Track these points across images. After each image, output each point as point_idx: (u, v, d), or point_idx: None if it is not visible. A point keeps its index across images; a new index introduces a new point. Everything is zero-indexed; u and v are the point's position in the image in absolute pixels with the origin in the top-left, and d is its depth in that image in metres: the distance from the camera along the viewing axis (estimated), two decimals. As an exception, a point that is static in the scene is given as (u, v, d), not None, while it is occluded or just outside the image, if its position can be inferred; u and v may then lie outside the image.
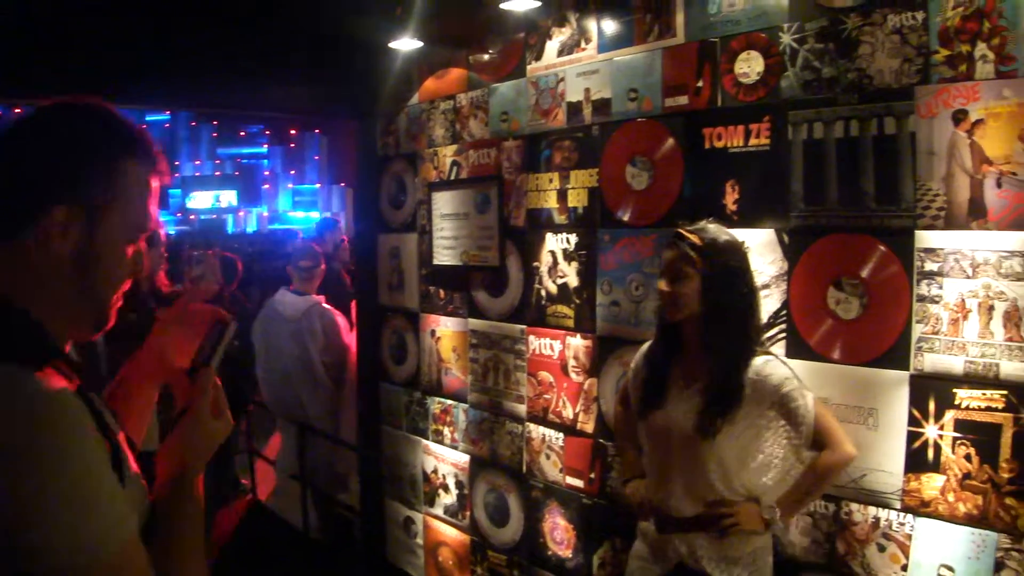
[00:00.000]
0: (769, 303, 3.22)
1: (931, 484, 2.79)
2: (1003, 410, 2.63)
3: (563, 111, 4.10)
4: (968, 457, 2.70)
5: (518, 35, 4.34)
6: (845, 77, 2.98)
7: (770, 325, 3.22)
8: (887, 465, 2.90)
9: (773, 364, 2.88)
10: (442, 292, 5.00)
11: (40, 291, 1.47)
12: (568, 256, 4.09)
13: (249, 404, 6.38)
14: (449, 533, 5.05)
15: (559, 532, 4.25)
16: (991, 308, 2.64)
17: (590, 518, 4.08)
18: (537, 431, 4.35)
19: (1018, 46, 2.57)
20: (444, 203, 4.85)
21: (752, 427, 2.86)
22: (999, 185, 2.61)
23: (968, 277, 2.69)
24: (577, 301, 4.07)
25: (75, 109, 1.56)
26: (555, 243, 4.16)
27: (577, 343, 4.08)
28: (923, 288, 2.80)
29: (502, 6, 4.05)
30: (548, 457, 4.29)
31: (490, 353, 4.63)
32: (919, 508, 2.83)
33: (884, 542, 2.92)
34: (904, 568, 2.87)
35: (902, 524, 2.87)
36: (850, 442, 2.81)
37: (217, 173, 44.91)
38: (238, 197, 42.21)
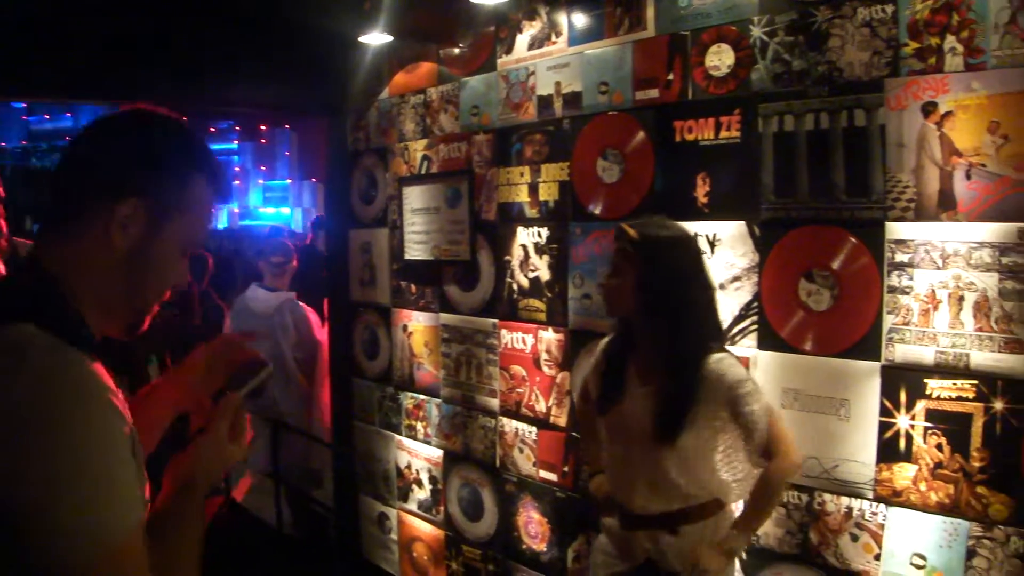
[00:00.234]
0: (741, 295, 3.23)
1: (903, 474, 2.81)
2: (974, 400, 2.65)
3: (534, 105, 4.10)
4: (939, 447, 2.72)
5: (488, 29, 4.32)
6: (815, 70, 2.99)
7: (742, 317, 3.23)
8: (859, 455, 2.91)
9: (727, 363, 2.82)
10: (414, 287, 4.98)
11: (88, 280, 1.49)
12: (539, 250, 4.09)
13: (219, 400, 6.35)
14: (423, 528, 5.04)
15: (533, 526, 4.25)
16: (961, 299, 2.66)
17: (564, 511, 4.08)
18: (510, 425, 4.34)
19: (987, 39, 2.58)
20: (415, 198, 4.84)
21: (709, 427, 2.83)
22: (968, 177, 2.63)
23: (938, 268, 2.70)
24: (549, 295, 4.07)
25: (160, 117, 1.62)
26: (526, 237, 4.16)
27: (549, 337, 4.08)
28: (894, 279, 2.81)
29: (472, 0, 4.04)
30: (521, 451, 4.29)
31: (462, 348, 4.62)
32: (891, 498, 2.84)
33: (857, 532, 2.93)
34: (877, 557, 2.89)
35: (875, 514, 2.89)
36: (797, 451, 2.82)
37: (187, 169, 44.17)
38: (208, 193, 41.44)
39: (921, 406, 2.76)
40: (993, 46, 2.57)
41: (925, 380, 2.75)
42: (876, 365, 2.87)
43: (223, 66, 4.57)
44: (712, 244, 3.31)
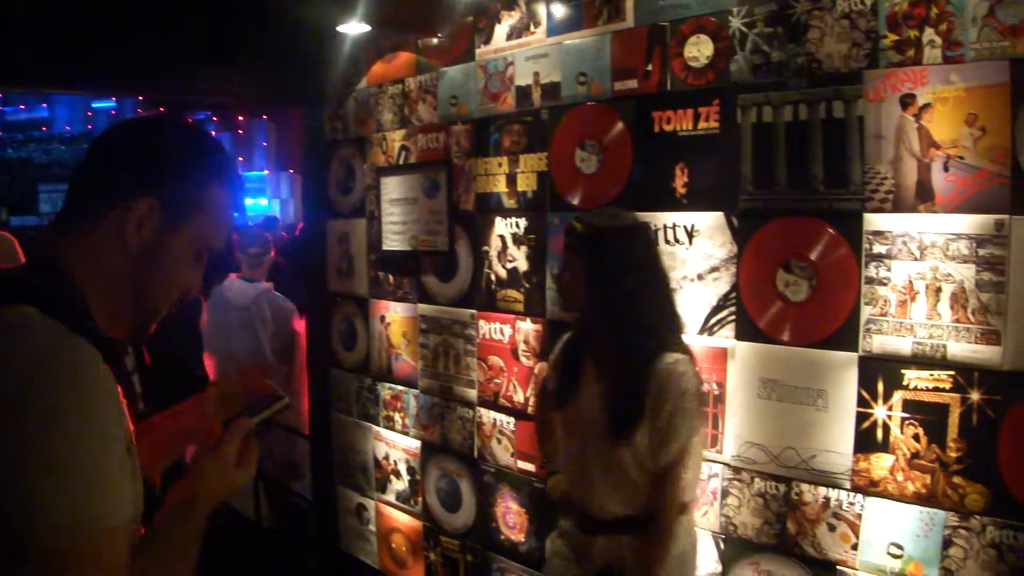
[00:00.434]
0: (719, 286, 3.24)
1: (880, 464, 2.82)
2: (950, 390, 2.66)
3: (512, 95, 4.09)
4: (916, 437, 2.73)
5: (467, 19, 4.31)
6: (794, 61, 2.99)
7: (720, 308, 3.24)
8: (836, 446, 2.92)
9: (682, 368, 2.78)
10: (391, 277, 4.97)
11: (97, 275, 1.50)
12: (517, 240, 4.08)
13: (200, 388, 6.32)
14: (401, 519, 5.03)
15: (511, 516, 4.25)
16: (938, 290, 2.67)
17: (542, 502, 4.07)
18: (488, 416, 4.34)
19: (965, 32, 2.59)
20: (393, 188, 4.83)
21: (661, 422, 2.75)
22: (946, 169, 2.64)
23: (916, 259, 2.71)
24: (527, 285, 4.07)
25: (182, 122, 1.66)
26: (504, 227, 4.15)
27: (527, 327, 4.07)
28: (871, 270, 2.82)
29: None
30: (499, 442, 4.28)
31: (440, 338, 4.62)
32: (868, 488, 2.86)
33: (834, 521, 2.95)
34: (854, 547, 2.90)
35: (852, 504, 2.90)
36: (687, 501, 2.85)
37: (164, 159, 44.02)
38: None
39: (898, 397, 2.78)
40: (971, 39, 2.58)
41: (902, 371, 2.76)
42: (854, 356, 2.88)
43: (199, 55, 4.53)
44: (690, 235, 3.31)
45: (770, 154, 3.07)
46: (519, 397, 4.15)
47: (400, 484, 5.01)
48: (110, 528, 1.30)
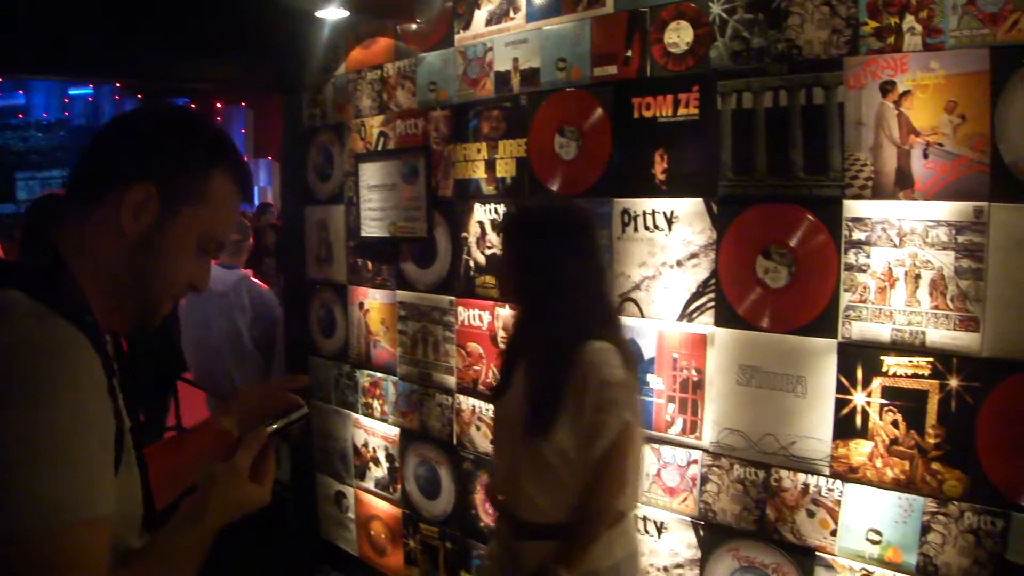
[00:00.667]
0: (698, 272, 3.23)
1: (859, 450, 2.83)
2: (929, 377, 2.67)
3: (491, 81, 4.07)
4: (895, 423, 2.74)
5: (446, 4, 4.28)
6: (774, 47, 2.99)
7: (699, 294, 3.23)
8: (816, 432, 2.93)
9: (605, 356, 2.63)
10: (370, 264, 4.96)
11: (95, 265, 1.47)
12: (497, 227, 4.06)
13: (177, 381, 6.29)
14: (381, 506, 5.03)
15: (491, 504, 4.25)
16: (918, 276, 2.68)
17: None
18: (467, 402, 4.34)
19: (945, 19, 2.59)
20: (371, 174, 4.81)
21: (585, 417, 2.62)
22: (926, 156, 2.64)
23: (895, 246, 2.72)
24: (507, 272, 4.05)
25: (183, 110, 1.67)
26: (483, 214, 4.14)
27: (506, 314, 4.06)
28: (851, 257, 2.83)
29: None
30: (478, 428, 4.28)
31: (419, 325, 4.60)
32: (847, 474, 2.87)
33: (813, 508, 2.95)
34: (833, 533, 2.91)
35: (831, 490, 2.91)
36: (624, 497, 2.70)
37: (141, 146, 43.92)
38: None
39: (877, 383, 2.78)
40: (951, 26, 2.58)
41: (881, 357, 2.77)
42: (833, 342, 2.89)
43: (177, 41, 4.50)
44: (670, 221, 3.31)
45: (750, 140, 3.06)
46: (498, 384, 4.14)
47: (379, 471, 5.00)
48: (80, 521, 1.26)
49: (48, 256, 1.44)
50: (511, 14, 3.96)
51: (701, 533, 3.27)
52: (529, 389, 2.74)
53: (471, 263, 4.24)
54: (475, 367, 4.27)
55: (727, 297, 3.17)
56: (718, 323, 3.19)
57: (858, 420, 2.83)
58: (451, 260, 4.36)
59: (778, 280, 3.02)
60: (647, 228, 3.38)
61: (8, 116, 23.96)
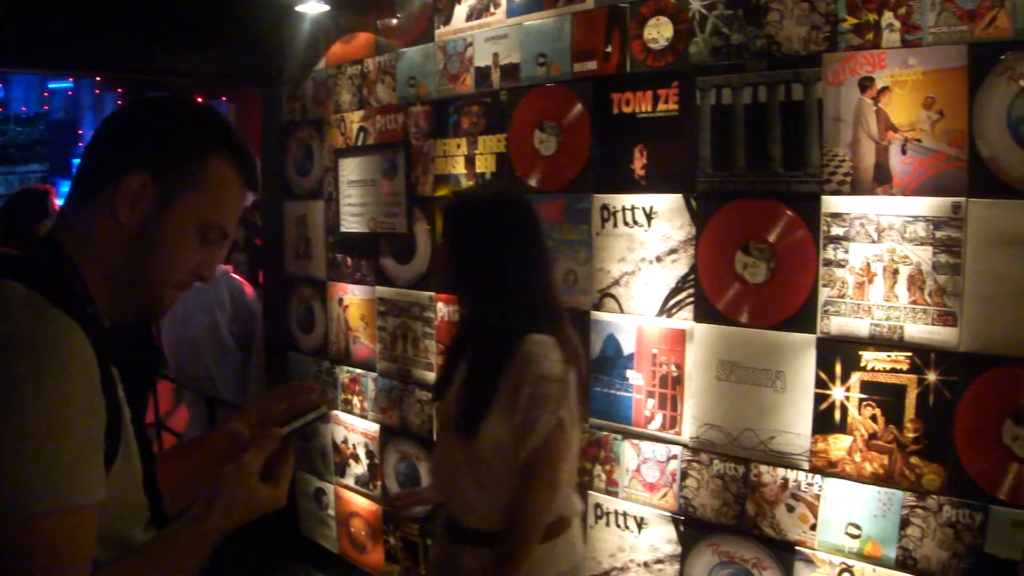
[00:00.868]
0: (677, 268, 3.24)
1: (838, 445, 2.84)
2: (907, 371, 2.68)
3: (471, 76, 4.07)
4: (874, 418, 2.75)
5: (426, -1, 4.29)
6: (754, 43, 2.99)
7: (678, 290, 3.24)
8: (795, 427, 2.94)
9: (543, 348, 2.50)
10: (349, 260, 4.94)
11: (95, 256, 1.47)
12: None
13: (157, 377, 6.27)
14: (361, 503, 5.02)
15: (471, 499, 4.24)
16: (896, 272, 2.69)
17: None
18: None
19: (923, 16, 2.60)
20: (351, 170, 4.80)
21: (519, 413, 2.49)
22: (904, 151, 2.65)
23: (873, 241, 2.73)
24: (487, 268, 4.04)
25: (181, 99, 1.66)
26: (464, 210, 4.12)
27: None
28: (829, 252, 2.83)
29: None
30: (459, 424, 4.27)
31: (398, 321, 4.60)
32: (827, 468, 2.88)
33: (793, 502, 2.96)
34: (813, 527, 2.92)
35: (810, 484, 2.92)
36: (551, 500, 2.51)
37: (120, 140, 43.80)
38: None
39: (856, 378, 2.79)
40: (930, 23, 2.59)
41: (860, 352, 2.78)
42: (812, 337, 2.90)
43: (157, 35, 4.48)
44: (649, 217, 3.31)
45: (729, 136, 3.07)
46: (479, 380, 4.13)
47: (359, 468, 4.99)
48: (59, 508, 1.25)
49: (46, 247, 1.44)
50: (491, 9, 3.95)
51: (681, 528, 3.28)
52: (462, 384, 2.67)
53: (451, 259, 4.21)
54: (455, 363, 4.25)
55: (706, 293, 3.17)
56: (697, 319, 3.20)
57: (837, 415, 2.84)
58: (430, 256, 4.35)
59: (757, 275, 3.03)
60: (626, 224, 3.38)
61: (-13, 110, 23.83)
